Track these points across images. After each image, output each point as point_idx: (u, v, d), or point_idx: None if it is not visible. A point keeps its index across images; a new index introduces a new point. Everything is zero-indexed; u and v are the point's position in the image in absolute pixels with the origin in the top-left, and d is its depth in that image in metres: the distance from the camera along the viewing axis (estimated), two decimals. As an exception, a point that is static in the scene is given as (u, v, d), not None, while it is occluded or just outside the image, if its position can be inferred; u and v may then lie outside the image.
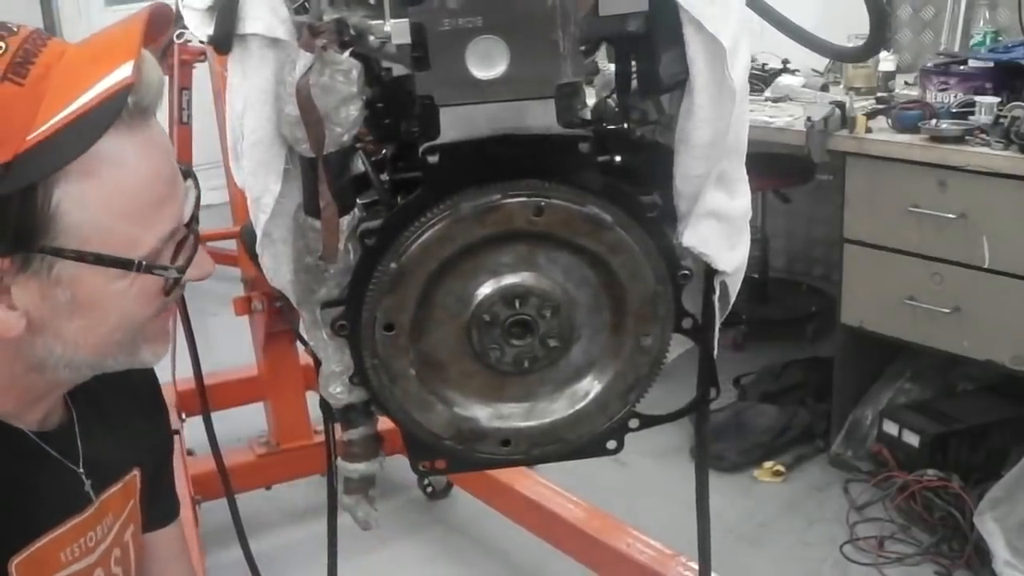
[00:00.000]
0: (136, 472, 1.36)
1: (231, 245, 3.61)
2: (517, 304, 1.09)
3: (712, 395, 1.24)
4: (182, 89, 4.41)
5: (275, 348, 3.29)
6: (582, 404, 1.16)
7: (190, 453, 3.38)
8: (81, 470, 1.24)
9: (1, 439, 1.16)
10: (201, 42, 1.12)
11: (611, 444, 1.22)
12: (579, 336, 1.14)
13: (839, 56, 1.23)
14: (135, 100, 1.04)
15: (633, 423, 1.21)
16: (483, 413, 1.15)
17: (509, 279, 1.09)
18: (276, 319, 3.19)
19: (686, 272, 1.14)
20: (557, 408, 1.16)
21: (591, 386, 1.16)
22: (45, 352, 1.12)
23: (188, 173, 1.18)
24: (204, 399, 1.70)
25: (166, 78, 4.62)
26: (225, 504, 3.30)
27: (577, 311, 1.12)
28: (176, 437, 3.33)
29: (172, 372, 3.52)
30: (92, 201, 1.04)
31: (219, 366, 3.49)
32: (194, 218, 1.18)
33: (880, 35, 1.12)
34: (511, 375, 1.14)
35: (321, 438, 3.37)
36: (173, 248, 1.13)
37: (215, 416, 3.63)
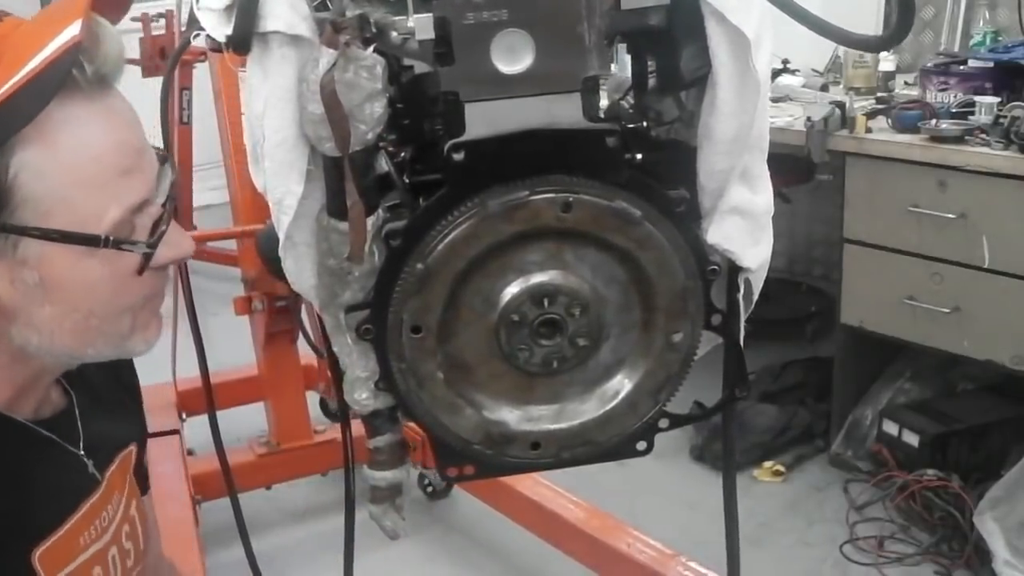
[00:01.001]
0: (133, 447, 1.35)
1: (231, 245, 3.60)
2: (546, 303, 1.07)
3: (740, 393, 1.23)
4: (182, 89, 4.40)
5: (275, 348, 3.28)
6: (612, 404, 1.14)
7: (190, 453, 3.37)
8: (81, 452, 1.23)
9: (3, 434, 1.15)
10: (216, 48, 1.11)
11: (641, 445, 1.20)
12: (608, 335, 1.12)
13: (861, 45, 1.21)
14: (93, 68, 1.03)
15: (663, 423, 1.20)
16: (512, 416, 1.14)
17: (537, 278, 1.08)
18: (276, 319, 3.19)
19: (715, 267, 1.13)
20: (587, 409, 1.15)
21: (621, 385, 1.14)
22: (23, 340, 1.10)
23: (164, 158, 1.15)
24: (210, 398, 1.69)
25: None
26: (225, 504, 3.30)
27: (606, 309, 1.11)
28: (176, 437, 3.33)
29: (172, 372, 3.52)
30: (50, 170, 1.02)
31: (219, 366, 3.47)
32: (170, 198, 1.14)
33: (906, 22, 1.10)
34: (540, 376, 1.12)
35: (321, 438, 3.40)
36: (149, 228, 1.10)
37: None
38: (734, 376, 1.23)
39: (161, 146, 1.77)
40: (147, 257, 1.09)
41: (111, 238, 1.05)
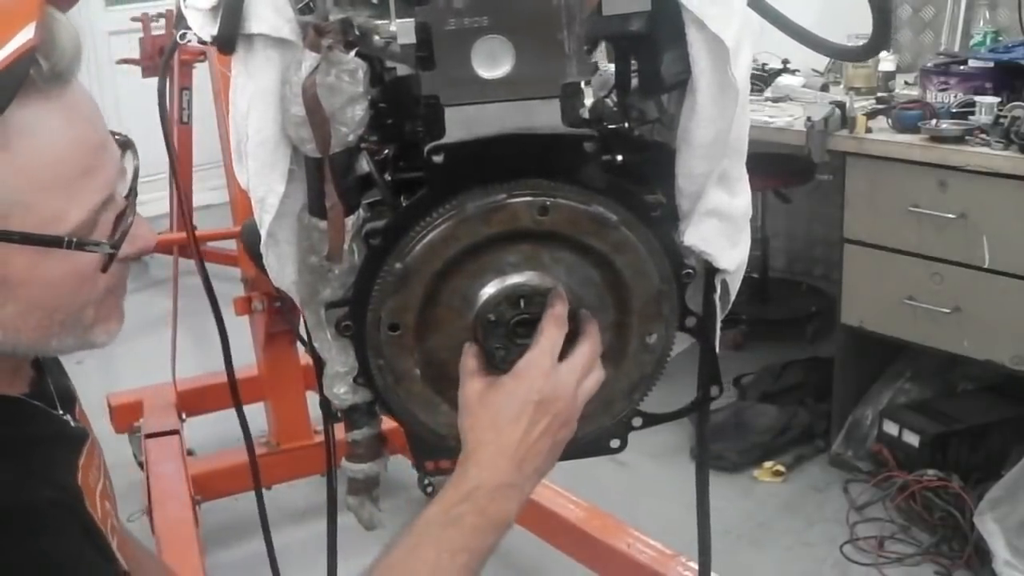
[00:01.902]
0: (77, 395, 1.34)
1: (231, 245, 3.61)
2: (522, 304, 1.09)
3: (715, 393, 1.25)
4: (182, 89, 4.43)
5: (275, 348, 3.29)
6: (587, 403, 1.15)
7: (190, 453, 3.38)
8: (60, 412, 1.22)
9: (12, 413, 1.14)
10: (203, 43, 1.12)
11: (615, 443, 1.23)
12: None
13: (841, 55, 1.23)
14: (49, 65, 0.98)
15: (636, 421, 1.22)
16: None
17: (514, 279, 1.09)
18: (276, 319, 3.20)
19: (690, 271, 1.14)
20: None
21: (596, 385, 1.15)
22: None
23: (127, 144, 1.11)
24: (236, 394, 1.69)
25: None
26: (225, 504, 3.30)
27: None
28: (176, 437, 3.34)
29: (172, 372, 3.53)
30: (8, 175, 0.98)
31: (219, 366, 3.48)
32: (132, 191, 1.11)
33: (883, 34, 1.12)
34: None
35: (321, 438, 3.40)
36: (112, 223, 1.07)
37: (214, 416, 3.62)
38: (709, 376, 1.25)
39: (164, 147, 1.77)
40: (111, 256, 1.07)
41: (74, 240, 1.03)
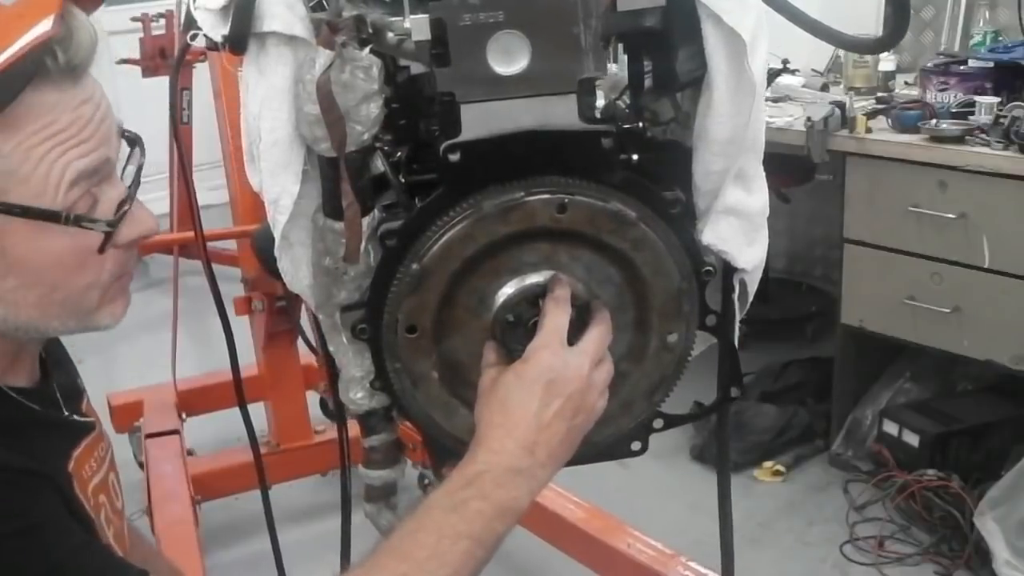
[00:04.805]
0: (85, 389, 1.35)
1: (231, 245, 3.60)
2: (541, 303, 1.08)
3: (735, 394, 1.24)
4: (182, 89, 4.41)
5: (275, 348, 3.28)
6: (607, 404, 1.14)
7: (190, 453, 3.37)
8: (66, 413, 1.22)
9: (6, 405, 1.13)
10: (213, 44, 1.11)
11: (636, 445, 1.22)
12: None
13: (856, 47, 1.23)
14: (65, 59, 1.01)
15: (657, 423, 1.21)
16: None
17: (532, 278, 1.09)
18: (276, 319, 3.19)
19: (710, 268, 1.13)
20: None
21: (615, 386, 1.14)
22: None
23: (135, 141, 1.14)
24: (240, 393, 1.69)
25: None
26: (224, 504, 3.29)
27: None
28: (176, 437, 3.33)
29: (172, 372, 3.53)
30: (10, 151, 1.00)
31: (219, 366, 3.48)
32: (136, 182, 1.12)
33: (900, 26, 1.11)
34: None
35: (321, 438, 3.40)
36: (114, 208, 1.08)
37: (214, 416, 3.61)
38: (729, 376, 1.24)
39: (169, 147, 1.76)
40: (108, 235, 1.08)
41: (72, 215, 1.04)
